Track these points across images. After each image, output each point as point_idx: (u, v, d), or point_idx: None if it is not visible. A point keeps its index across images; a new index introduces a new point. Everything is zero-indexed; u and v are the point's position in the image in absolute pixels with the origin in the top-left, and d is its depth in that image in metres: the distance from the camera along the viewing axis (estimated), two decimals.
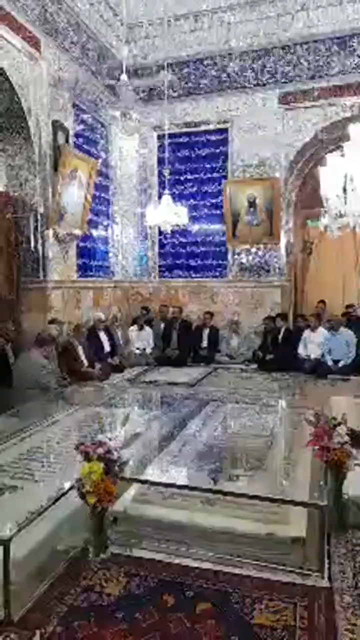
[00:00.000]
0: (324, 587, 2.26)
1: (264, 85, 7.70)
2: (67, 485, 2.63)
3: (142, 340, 7.79)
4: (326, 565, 2.39)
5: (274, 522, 2.61)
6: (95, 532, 2.45)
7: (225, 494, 2.79)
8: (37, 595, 2.20)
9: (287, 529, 2.55)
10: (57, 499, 2.52)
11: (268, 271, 8.05)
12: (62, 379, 6.03)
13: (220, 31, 7.72)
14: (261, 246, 8.02)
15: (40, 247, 6.53)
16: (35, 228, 6.49)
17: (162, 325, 8.07)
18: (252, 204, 7.87)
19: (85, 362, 6.51)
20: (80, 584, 2.28)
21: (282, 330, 7.44)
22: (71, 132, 7.01)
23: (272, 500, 2.69)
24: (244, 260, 8.16)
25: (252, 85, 7.76)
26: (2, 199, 6.33)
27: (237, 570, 2.39)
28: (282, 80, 7.60)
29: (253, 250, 8.07)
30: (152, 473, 3.25)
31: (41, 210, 6.48)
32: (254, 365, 7.32)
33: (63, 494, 2.56)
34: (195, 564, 2.43)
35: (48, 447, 3.92)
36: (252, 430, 4.45)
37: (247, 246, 8.07)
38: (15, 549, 2.16)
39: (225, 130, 8.08)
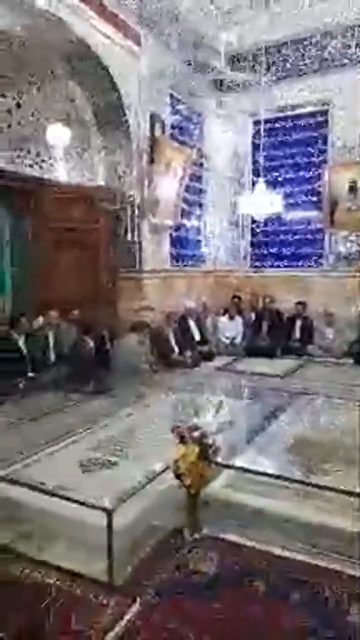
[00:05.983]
0: None
1: None
2: (160, 464, 2.75)
3: (232, 329, 7.78)
4: None
5: None
6: (190, 513, 2.54)
7: (322, 487, 2.73)
8: (136, 566, 2.34)
9: None
10: (155, 477, 2.65)
11: None
12: (154, 364, 6.25)
13: (320, 8, 7.32)
14: None
15: (136, 238, 6.79)
16: (132, 219, 6.74)
17: (253, 314, 7.99)
18: (352, 188, 7.43)
19: (176, 349, 6.68)
20: (174, 561, 2.39)
21: None
22: (167, 123, 7.14)
23: None
24: (341, 249, 7.76)
25: (355, 62, 7.28)
26: (103, 192, 6.65)
27: (330, 565, 2.34)
28: None
29: (352, 237, 7.64)
30: (243, 461, 3.27)
31: (137, 201, 6.71)
32: (350, 360, 6.97)
33: (160, 473, 2.68)
34: (285, 554, 2.43)
35: (142, 428, 4.11)
36: (344, 426, 4.27)
37: (346, 234, 7.67)
38: (116, 521, 2.31)
39: (324, 112, 7.69)
